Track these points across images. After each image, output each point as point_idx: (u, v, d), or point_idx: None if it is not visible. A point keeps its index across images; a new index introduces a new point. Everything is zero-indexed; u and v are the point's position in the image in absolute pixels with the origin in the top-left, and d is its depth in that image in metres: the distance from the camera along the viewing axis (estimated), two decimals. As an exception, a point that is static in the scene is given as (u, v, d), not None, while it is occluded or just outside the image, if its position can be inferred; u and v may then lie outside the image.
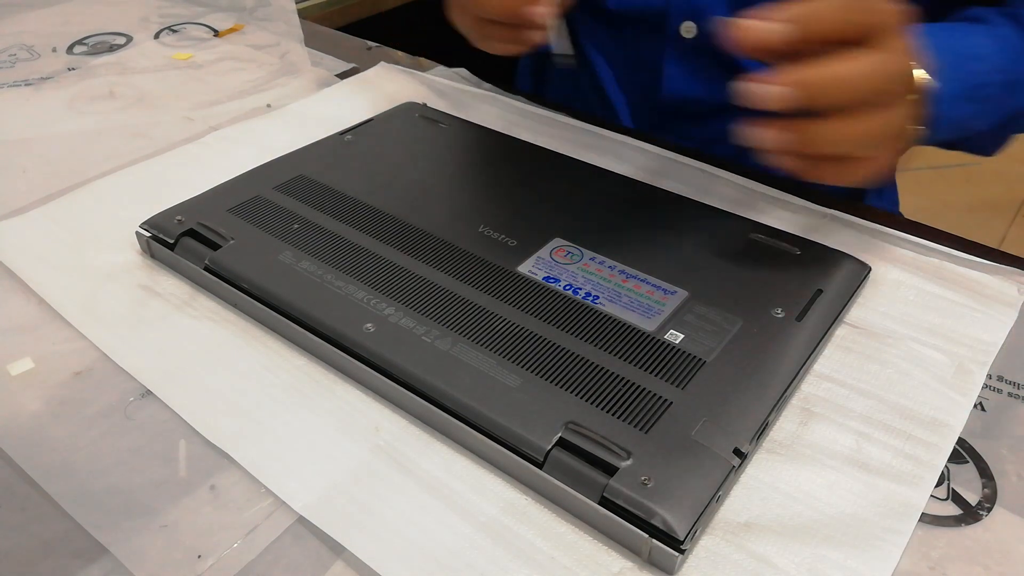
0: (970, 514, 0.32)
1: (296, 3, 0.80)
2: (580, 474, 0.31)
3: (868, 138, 0.36)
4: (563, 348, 0.36)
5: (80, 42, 0.72)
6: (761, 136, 0.36)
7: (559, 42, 0.47)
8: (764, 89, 0.34)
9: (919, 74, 0.37)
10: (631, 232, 0.45)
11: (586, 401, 0.34)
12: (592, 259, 0.42)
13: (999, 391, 0.38)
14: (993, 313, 0.41)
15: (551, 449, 0.32)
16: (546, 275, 0.41)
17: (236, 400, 0.37)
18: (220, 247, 0.43)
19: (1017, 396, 0.37)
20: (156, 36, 0.74)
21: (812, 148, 0.36)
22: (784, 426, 0.35)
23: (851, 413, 0.36)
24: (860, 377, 0.38)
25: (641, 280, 0.40)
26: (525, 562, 0.30)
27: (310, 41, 0.72)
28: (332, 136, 0.54)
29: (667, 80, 0.60)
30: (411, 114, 0.57)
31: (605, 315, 0.38)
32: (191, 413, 0.36)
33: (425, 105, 0.58)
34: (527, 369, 0.35)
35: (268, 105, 0.61)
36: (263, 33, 0.74)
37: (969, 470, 0.34)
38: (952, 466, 0.34)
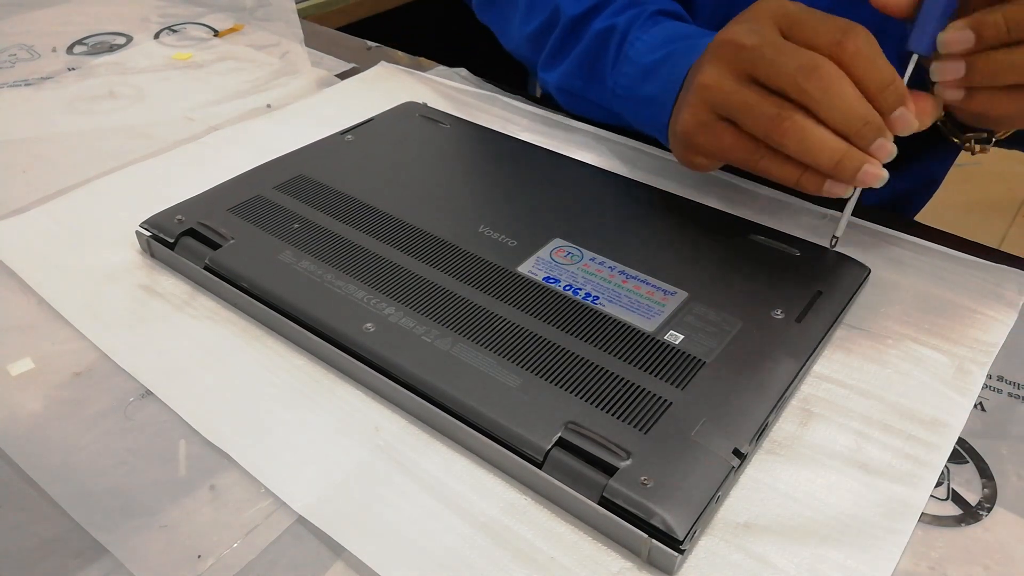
0: (970, 514, 0.32)
1: (296, 3, 0.80)
2: (580, 474, 0.31)
3: None
4: (563, 348, 0.36)
5: (80, 42, 0.72)
6: (944, 70, 0.38)
7: (844, 223, 0.42)
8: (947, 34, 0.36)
9: None
10: (631, 232, 0.45)
11: (586, 401, 0.34)
12: (592, 259, 0.42)
13: (999, 391, 0.38)
14: (993, 313, 0.41)
15: (551, 449, 0.32)
16: (546, 275, 0.41)
17: (236, 400, 0.37)
18: (220, 247, 0.43)
19: (1017, 396, 0.37)
20: (156, 36, 0.74)
21: (993, 77, 0.37)
22: (784, 427, 0.35)
23: (851, 413, 0.36)
24: (860, 377, 0.38)
25: (641, 281, 0.40)
26: (525, 562, 0.30)
27: (310, 41, 0.72)
28: (332, 136, 0.54)
29: None
30: (411, 114, 0.57)
31: (605, 315, 0.38)
32: (191, 413, 0.36)
33: (425, 105, 0.58)
34: (527, 369, 0.35)
35: (268, 105, 0.61)
36: (263, 33, 0.74)
37: (969, 470, 0.34)
38: (952, 466, 0.34)
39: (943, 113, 0.48)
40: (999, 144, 0.49)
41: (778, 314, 0.38)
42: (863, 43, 0.37)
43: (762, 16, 0.41)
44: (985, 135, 0.48)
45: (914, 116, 0.38)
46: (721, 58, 0.41)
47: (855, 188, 0.39)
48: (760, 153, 0.41)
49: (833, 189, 0.40)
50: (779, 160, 0.40)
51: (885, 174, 0.38)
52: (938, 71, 0.38)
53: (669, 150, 0.54)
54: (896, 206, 0.66)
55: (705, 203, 0.48)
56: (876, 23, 0.39)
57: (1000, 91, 0.38)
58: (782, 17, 0.40)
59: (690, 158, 0.46)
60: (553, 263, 0.42)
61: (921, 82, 0.39)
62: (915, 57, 0.39)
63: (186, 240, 0.44)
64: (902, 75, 0.38)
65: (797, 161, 0.39)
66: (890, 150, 0.38)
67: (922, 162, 0.63)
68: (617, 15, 0.53)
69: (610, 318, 0.38)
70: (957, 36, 0.37)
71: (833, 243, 0.42)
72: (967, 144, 0.49)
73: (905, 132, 0.38)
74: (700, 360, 0.36)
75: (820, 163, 0.38)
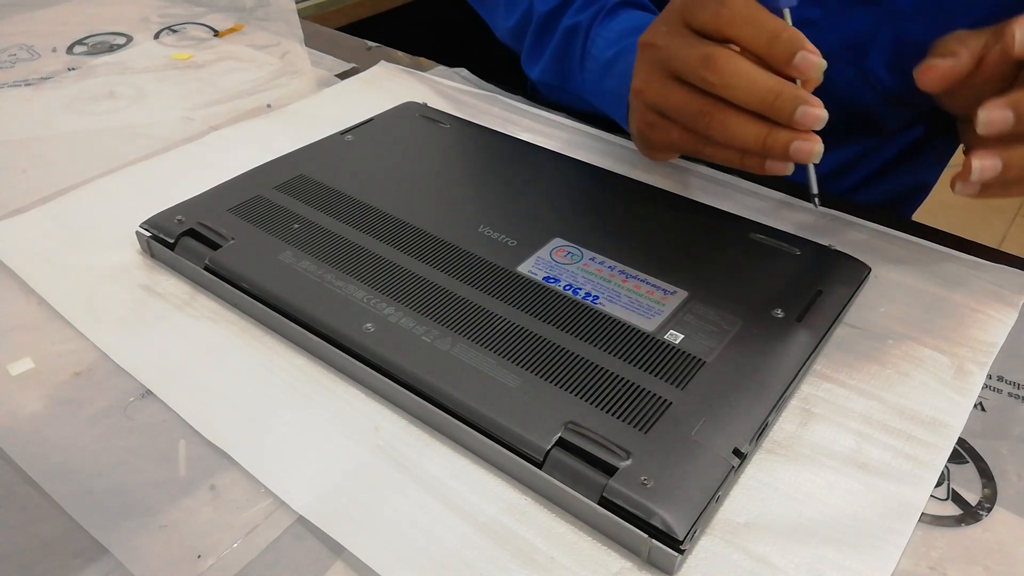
0: (970, 514, 0.32)
1: (296, 3, 0.80)
2: (580, 474, 0.31)
3: None
4: (563, 348, 0.36)
5: (80, 42, 0.72)
6: (981, 165, 0.37)
7: (813, 180, 0.42)
8: (989, 112, 0.35)
9: None
10: (631, 232, 0.45)
11: (586, 401, 0.34)
12: (592, 259, 0.42)
13: (999, 391, 0.38)
14: (993, 313, 0.41)
15: (551, 449, 0.32)
16: (546, 275, 0.41)
17: (236, 400, 0.37)
18: (220, 247, 0.43)
19: (1017, 396, 0.37)
20: (156, 36, 0.74)
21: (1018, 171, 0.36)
22: (784, 426, 0.35)
23: (851, 413, 0.36)
24: (860, 377, 0.38)
25: (641, 280, 0.41)
26: (525, 562, 0.30)
27: (310, 41, 0.72)
28: (332, 136, 0.54)
29: None
30: (411, 114, 0.57)
31: (605, 315, 0.38)
32: (191, 413, 0.36)
33: (425, 105, 0.58)
34: (527, 369, 0.35)
35: (268, 105, 0.61)
36: (263, 33, 0.74)
37: (969, 470, 0.34)
38: (952, 466, 0.34)
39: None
40: None
41: (778, 314, 0.38)
42: (740, 5, 0.38)
43: (671, 13, 0.42)
44: None
45: (817, 56, 0.37)
46: (646, 61, 0.43)
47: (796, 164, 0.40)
48: (703, 143, 0.42)
49: (773, 167, 0.40)
50: (720, 147, 0.42)
51: (819, 147, 0.38)
52: (978, 170, 0.37)
53: None
54: (885, 209, 0.67)
55: (705, 203, 0.48)
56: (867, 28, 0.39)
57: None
58: (683, 10, 0.41)
59: (648, 153, 0.49)
60: (553, 263, 0.42)
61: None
62: (787, 13, 0.39)
63: (186, 240, 0.44)
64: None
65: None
66: (816, 114, 0.37)
67: (911, 167, 0.63)
68: (581, 11, 0.55)
69: (610, 318, 0.38)
70: (999, 116, 0.36)
71: (815, 202, 0.43)
72: None
73: (814, 74, 0.38)
74: (700, 360, 0.36)
75: (749, 147, 0.39)
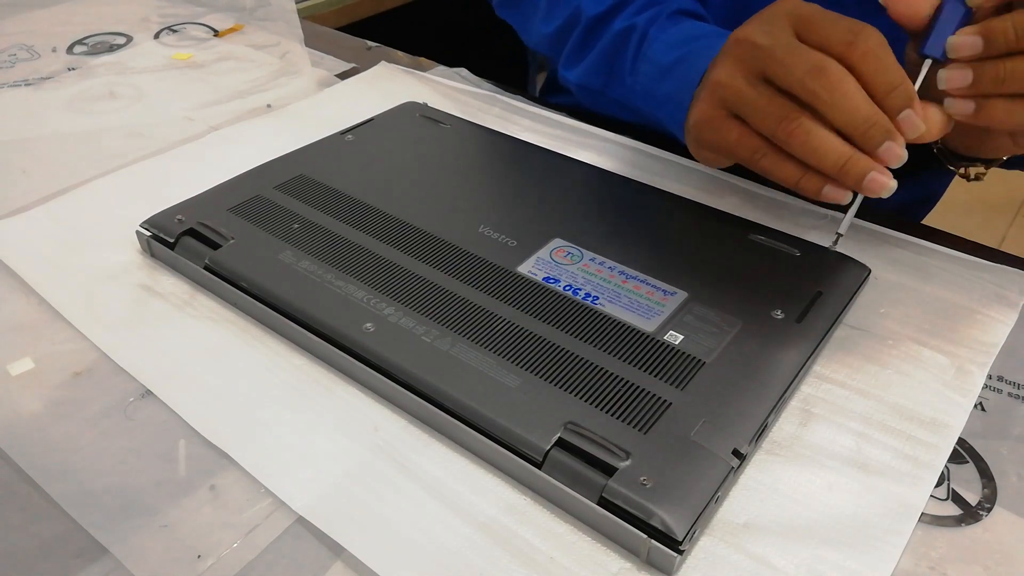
0: (970, 514, 0.32)
1: (296, 3, 0.80)
2: (579, 474, 0.31)
3: None
4: (563, 348, 0.36)
5: (80, 42, 0.72)
6: (952, 77, 0.38)
7: (848, 222, 0.42)
8: (957, 37, 0.37)
9: None
10: (631, 233, 0.45)
11: (586, 401, 0.34)
12: (592, 259, 0.42)
13: (999, 391, 0.38)
14: (993, 313, 0.41)
15: (550, 449, 0.32)
16: (546, 275, 0.41)
17: (236, 400, 0.37)
18: (220, 246, 0.43)
19: (1017, 396, 0.37)
20: (156, 36, 0.74)
21: (999, 84, 0.37)
22: (784, 427, 0.35)
23: (851, 414, 0.36)
24: (860, 378, 0.38)
25: (641, 281, 0.41)
26: (524, 562, 0.30)
27: (310, 41, 0.72)
28: (332, 136, 0.54)
29: None
30: (412, 114, 0.57)
31: (605, 316, 0.38)
32: (191, 413, 0.36)
33: (426, 105, 0.58)
34: (527, 369, 0.35)
35: (268, 105, 0.61)
36: (263, 33, 0.74)
37: (969, 470, 0.34)
38: (952, 466, 0.34)
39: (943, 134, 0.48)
40: (1000, 166, 0.49)
41: (778, 314, 0.38)
42: (874, 44, 0.38)
43: (777, 16, 0.41)
44: (980, 164, 0.48)
45: (921, 120, 0.38)
46: (736, 56, 0.41)
47: (856, 193, 0.39)
48: (763, 152, 0.41)
49: (831, 194, 0.40)
50: (781, 160, 0.41)
51: (893, 183, 0.38)
52: (946, 78, 0.38)
53: (673, 150, 0.54)
54: (894, 218, 0.66)
55: (705, 203, 0.48)
56: (886, 31, 0.39)
57: (1010, 101, 0.37)
58: (796, 18, 0.40)
59: (699, 152, 0.47)
60: (553, 263, 0.42)
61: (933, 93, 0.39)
62: (927, 63, 0.39)
63: (186, 240, 0.44)
64: (913, 82, 0.38)
65: (799, 163, 0.40)
66: (898, 154, 0.38)
67: (921, 177, 0.63)
68: (637, 14, 0.54)
69: (610, 318, 0.38)
70: (966, 40, 0.37)
71: (835, 241, 0.42)
72: (962, 171, 0.49)
73: (911, 135, 0.38)
74: (700, 360, 0.36)
75: (824, 166, 0.38)
